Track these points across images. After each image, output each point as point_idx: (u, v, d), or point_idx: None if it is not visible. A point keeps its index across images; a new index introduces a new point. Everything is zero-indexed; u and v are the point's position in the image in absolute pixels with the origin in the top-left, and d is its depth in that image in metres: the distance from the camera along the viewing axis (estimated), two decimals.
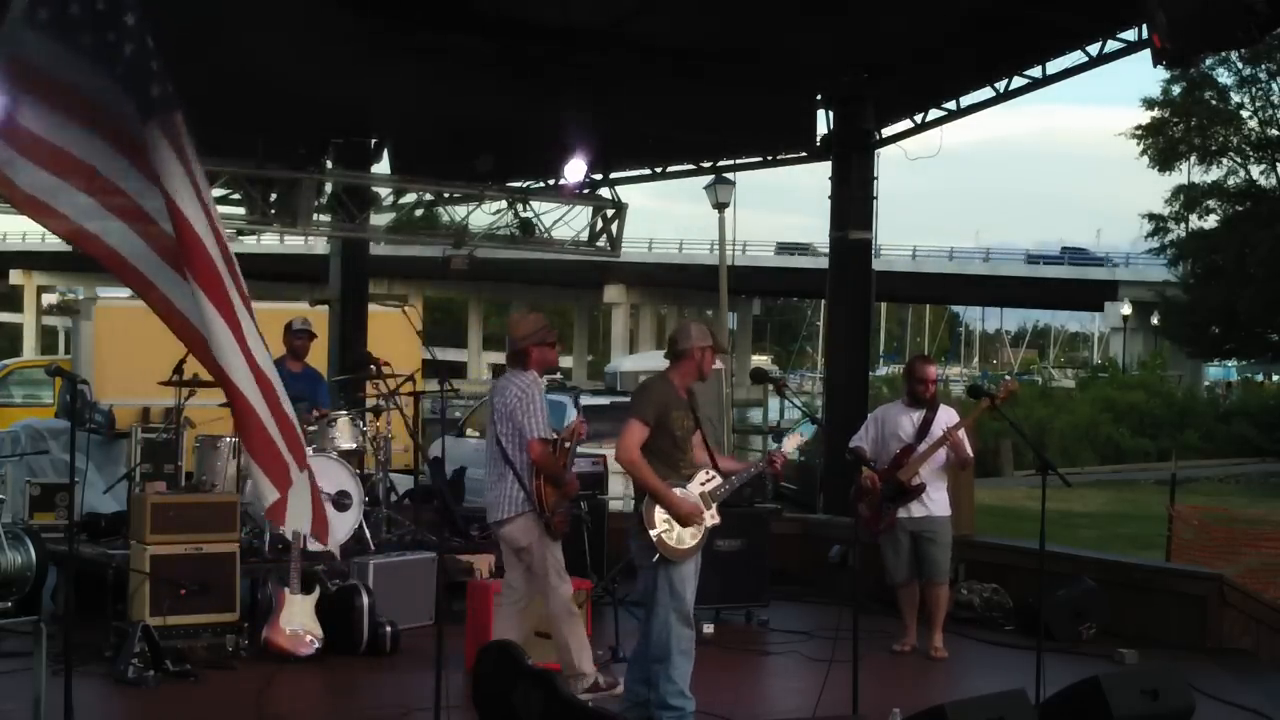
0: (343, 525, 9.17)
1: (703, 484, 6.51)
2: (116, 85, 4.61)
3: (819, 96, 13.12)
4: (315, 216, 13.39)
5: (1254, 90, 37.93)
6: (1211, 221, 39.24)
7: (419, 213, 16.12)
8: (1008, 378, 9.05)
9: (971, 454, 8.83)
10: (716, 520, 6.53)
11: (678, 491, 6.42)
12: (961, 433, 8.65)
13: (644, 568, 6.47)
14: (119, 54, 4.56)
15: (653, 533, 6.33)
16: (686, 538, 6.40)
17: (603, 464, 10.29)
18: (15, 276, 79.83)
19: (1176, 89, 37.47)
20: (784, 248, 64.98)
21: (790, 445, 6.91)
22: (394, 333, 12.64)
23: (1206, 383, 56.35)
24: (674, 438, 6.47)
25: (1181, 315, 39.79)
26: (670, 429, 6.44)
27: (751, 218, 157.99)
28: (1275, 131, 38.09)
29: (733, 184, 24.27)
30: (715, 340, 6.67)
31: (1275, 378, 61.91)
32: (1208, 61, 33.90)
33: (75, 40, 4.59)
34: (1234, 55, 35.13)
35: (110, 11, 4.59)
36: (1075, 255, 62.86)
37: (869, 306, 13.28)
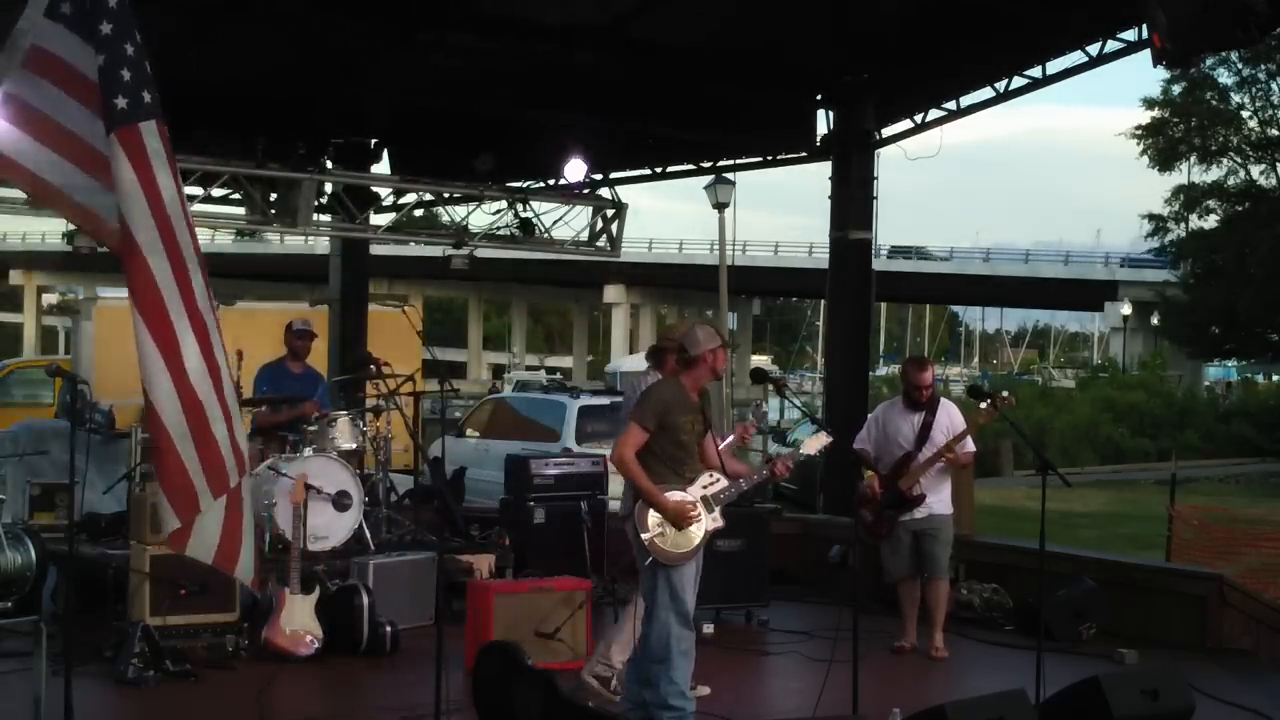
0: (343, 525, 9.17)
1: (705, 487, 6.49)
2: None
3: (819, 96, 13.12)
4: (315, 216, 13.38)
5: (1254, 90, 37.93)
6: (1211, 221, 39.27)
7: (419, 213, 16.12)
8: (1004, 394, 8.98)
9: (973, 447, 8.83)
10: (719, 523, 6.50)
11: (674, 494, 6.38)
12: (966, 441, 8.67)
13: (644, 572, 6.46)
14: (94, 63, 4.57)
15: (645, 536, 6.32)
16: (683, 540, 6.37)
17: (603, 464, 10.31)
18: (15, 276, 79.82)
19: (1176, 89, 37.48)
20: (897, 251, 64.49)
21: (813, 447, 6.81)
22: (394, 333, 12.66)
23: (1206, 383, 56.33)
24: (679, 441, 6.44)
25: (1181, 315, 39.79)
26: (675, 432, 6.42)
27: (751, 218, 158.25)
28: (1275, 131, 38.08)
29: (733, 184, 24.27)
30: (723, 338, 6.64)
31: (1275, 378, 61.85)
32: (1208, 61, 33.90)
33: (94, 35, 4.60)
34: (1234, 55, 35.11)
35: (92, 16, 4.59)
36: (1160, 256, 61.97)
37: (869, 306, 13.28)
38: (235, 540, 4.94)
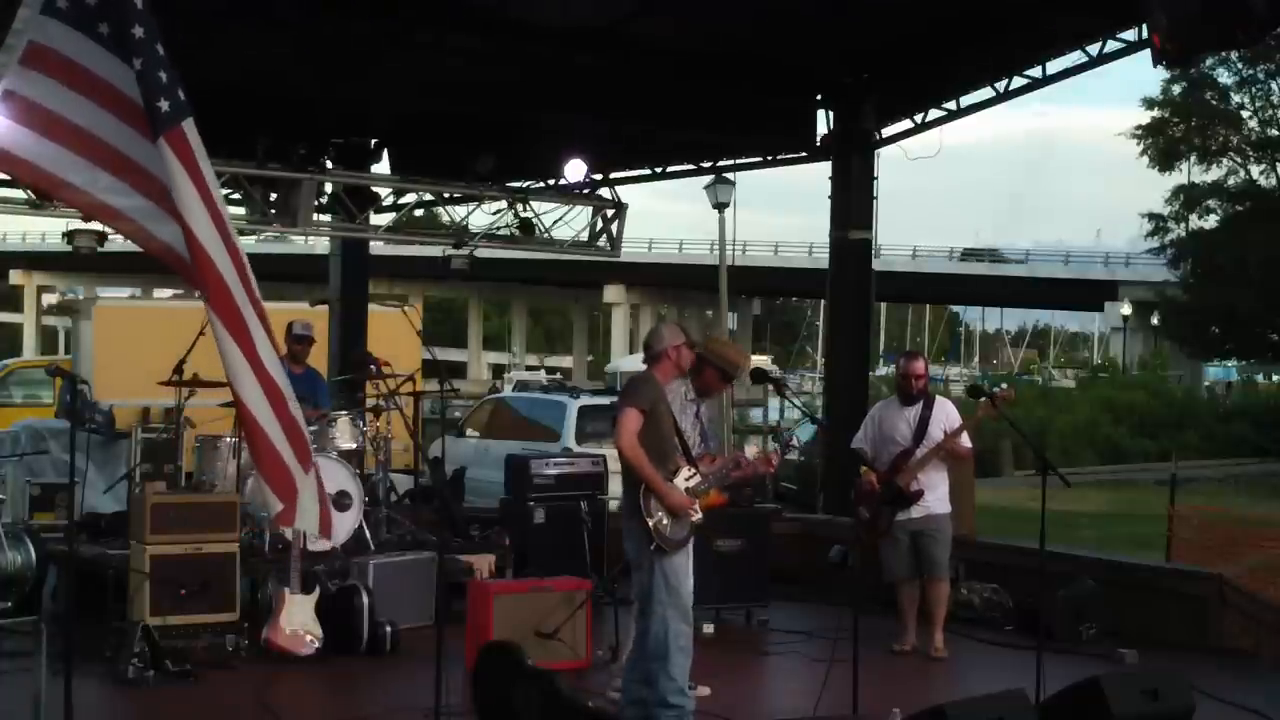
0: (343, 525, 9.16)
1: (686, 480, 6.58)
2: (135, 80, 4.62)
3: (819, 96, 13.12)
4: (315, 216, 13.37)
5: (1254, 90, 37.92)
6: (1211, 221, 39.25)
7: (419, 213, 16.12)
8: (1004, 386, 9.03)
9: (970, 445, 8.84)
10: (699, 516, 6.59)
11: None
12: (963, 436, 8.67)
13: (640, 566, 6.48)
14: (130, 64, 4.59)
15: (650, 521, 6.36)
16: (678, 528, 6.44)
17: (603, 464, 10.31)
18: (15, 276, 79.74)
19: (1177, 89, 37.45)
20: (970, 253, 64.79)
21: (749, 453, 6.99)
22: (394, 333, 12.66)
23: (1206, 383, 56.30)
24: (662, 434, 6.53)
25: (1181, 315, 39.77)
26: (659, 424, 6.51)
27: (751, 218, 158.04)
28: (1275, 131, 38.06)
29: (733, 184, 24.25)
30: (687, 336, 6.78)
31: (1275, 377, 61.82)
32: (1208, 61, 33.88)
33: (93, 29, 4.61)
34: (1234, 55, 35.09)
35: (119, 20, 4.60)
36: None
37: (869, 306, 13.29)
38: (326, 507, 5.17)
